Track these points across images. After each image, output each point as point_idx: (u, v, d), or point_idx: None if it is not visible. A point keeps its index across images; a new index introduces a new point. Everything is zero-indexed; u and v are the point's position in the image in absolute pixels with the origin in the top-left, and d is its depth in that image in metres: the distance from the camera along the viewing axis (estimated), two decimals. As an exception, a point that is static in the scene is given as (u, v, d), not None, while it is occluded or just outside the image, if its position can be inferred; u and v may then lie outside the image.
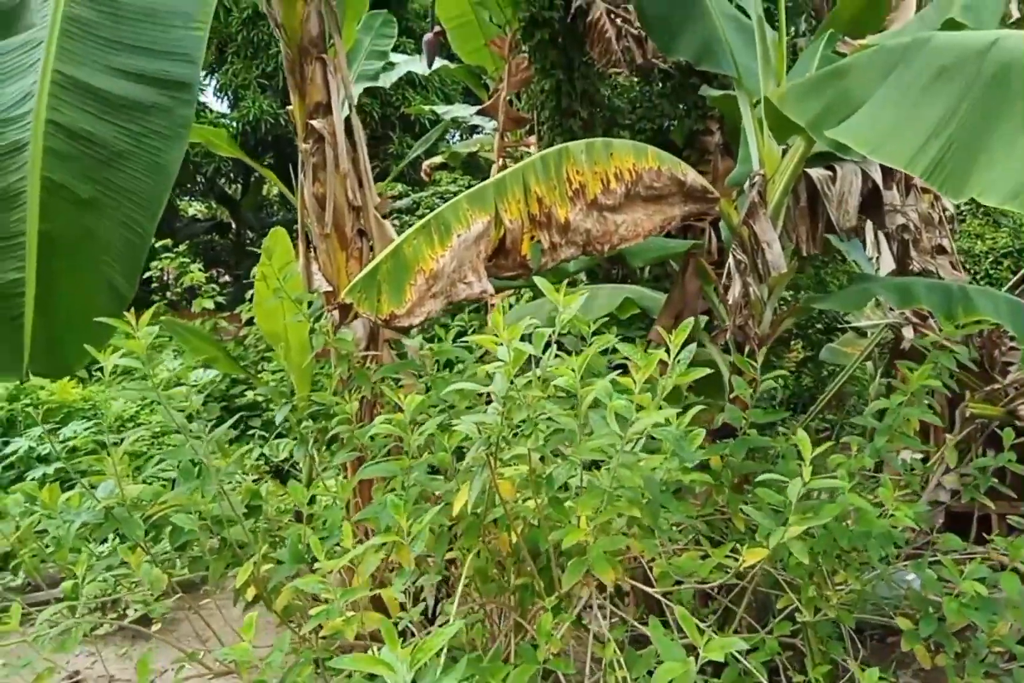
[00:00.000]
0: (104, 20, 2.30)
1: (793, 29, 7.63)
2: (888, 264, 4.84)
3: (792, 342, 7.70)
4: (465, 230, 2.37)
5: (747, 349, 3.36)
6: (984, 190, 1.75)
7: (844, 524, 2.15)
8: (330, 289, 3.44)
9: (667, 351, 1.68)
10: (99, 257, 2.24)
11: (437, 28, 7.13)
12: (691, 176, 2.91)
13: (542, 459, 1.91)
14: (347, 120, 3.53)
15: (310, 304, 3.23)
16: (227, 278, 14.30)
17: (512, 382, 1.48)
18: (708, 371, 1.69)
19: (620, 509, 1.57)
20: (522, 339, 1.55)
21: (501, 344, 1.48)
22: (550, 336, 1.59)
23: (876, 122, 2.10)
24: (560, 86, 6.84)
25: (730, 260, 3.30)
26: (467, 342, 1.99)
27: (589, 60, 6.62)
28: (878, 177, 3.70)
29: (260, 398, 6.55)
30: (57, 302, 2.25)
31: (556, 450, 1.81)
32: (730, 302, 3.32)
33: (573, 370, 1.54)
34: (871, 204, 3.86)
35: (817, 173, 3.59)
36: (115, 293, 2.30)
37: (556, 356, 1.59)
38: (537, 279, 1.66)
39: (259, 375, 5.94)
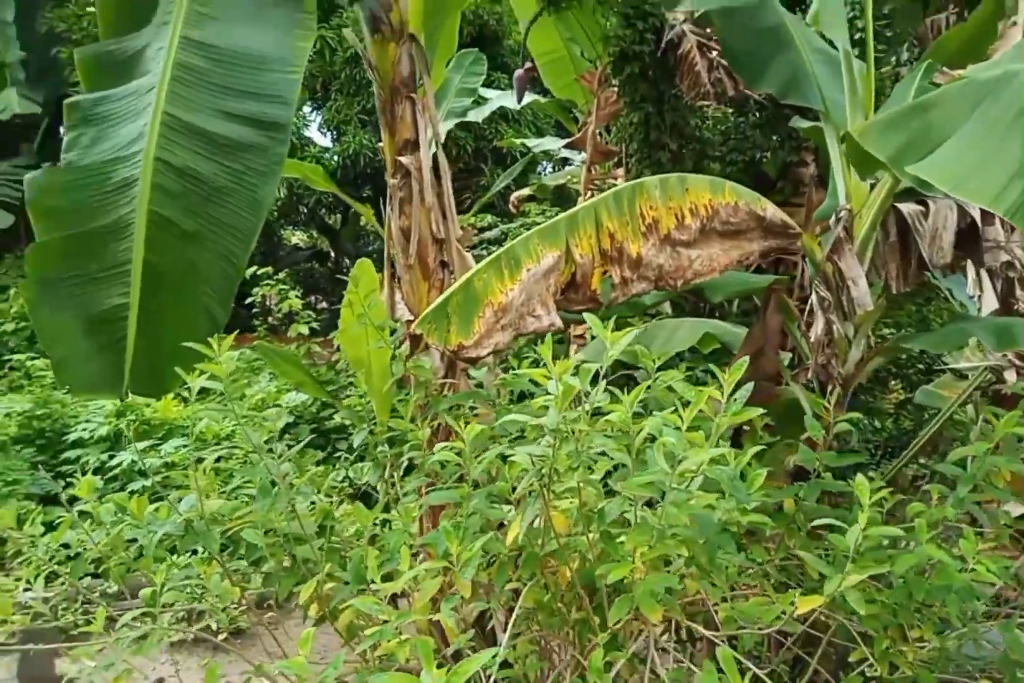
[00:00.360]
0: (210, 66, 2.51)
1: (895, 58, 7.46)
2: (991, 303, 4.59)
3: (892, 383, 7.37)
4: (535, 264, 2.43)
5: (830, 389, 3.26)
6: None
7: (924, 577, 2.05)
8: (412, 318, 3.56)
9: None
10: (199, 287, 2.41)
11: (528, 65, 7.32)
12: (770, 211, 2.87)
13: (606, 492, 1.92)
14: (434, 156, 3.67)
15: (392, 331, 3.35)
16: (324, 305, 14.87)
17: (564, 416, 1.50)
18: (760, 412, 1.66)
19: (669, 548, 1.56)
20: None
21: (551, 378, 1.51)
22: (599, 370, 1.60)
23: (959, 158, 2.04)
24: (649, 119, 6.87)
25: (813, 297, 3.22)
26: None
27: (679, 93, 6.64)
28: (976, 213, 3.55)
29: (347, 422, 6.75)
30: (158, 327, 2.43)
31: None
32: (812, 340, 3.24)
33: (631, 403, 1.54)
34: (968, 240, 3.70)
35: (908, 208, 3.48)
36: (211, 319, 2.46)
37: (607, 391, 1.60)
38: (588, 316, 1.68)
39: (345, 399, 6.14)
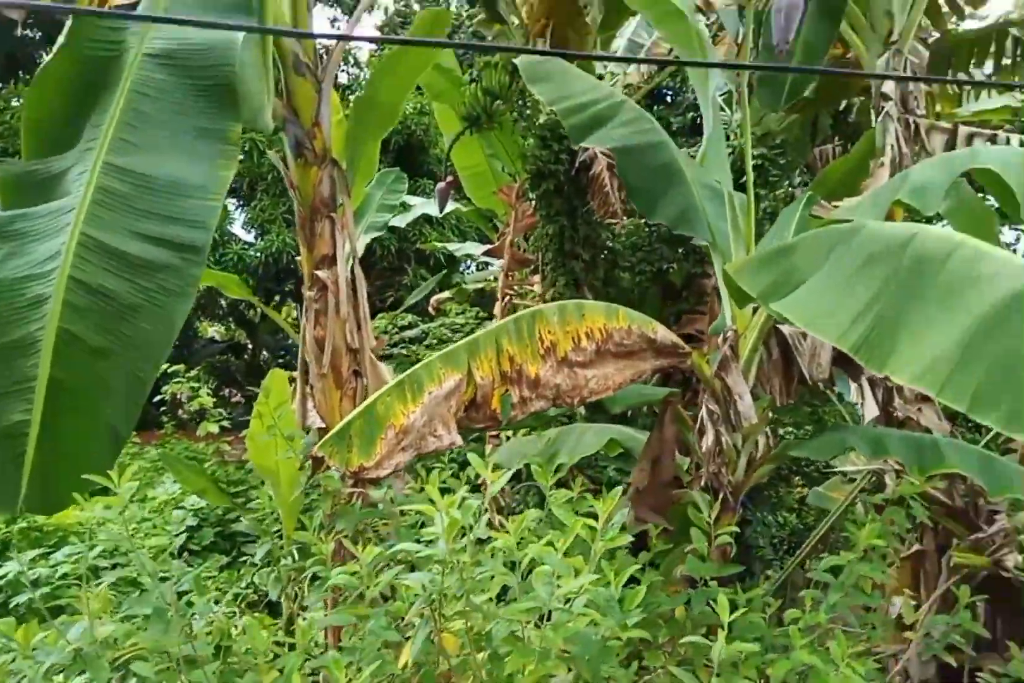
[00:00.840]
0: (131, 190, 2.63)
1: (788, 182, 8.19)
2: (872, 410, 4.96)
3: (795, 479, 7.70)
4: (437, 387, 2.56)
5: (721, 496, 3.44)
6: (898, 369, 1.92)
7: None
8: (323, 426, 3.61)
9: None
10: (104, 403, 2.43)
11: (450, 178, 7.74)
12: (660, 333, 3.12)
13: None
14: (351, 270, 3.84)
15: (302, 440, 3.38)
16: (239, 398, 14.55)
17: (451, 547, 1.59)
18: (630, 538, 1.79)
19: (550, 668, 1.63)
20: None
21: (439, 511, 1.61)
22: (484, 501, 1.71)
23: (814, 299, 2.31)
24: (563, 231, 7.28)
25: (703, 411, 3.45)
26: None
27: (591, 208, 7.11)
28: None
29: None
30: (56, 443, 2.42)
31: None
32: (703, 450, 3.44)
33: (516, 531, 1.65)
34: (845, 356, 4.04)
35: (789, 329, 3.81)
36: (114, 435, 2.47)
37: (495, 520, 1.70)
38: (472, 457, 1.80)
39: (253, 502, 5.98)
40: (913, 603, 4.50)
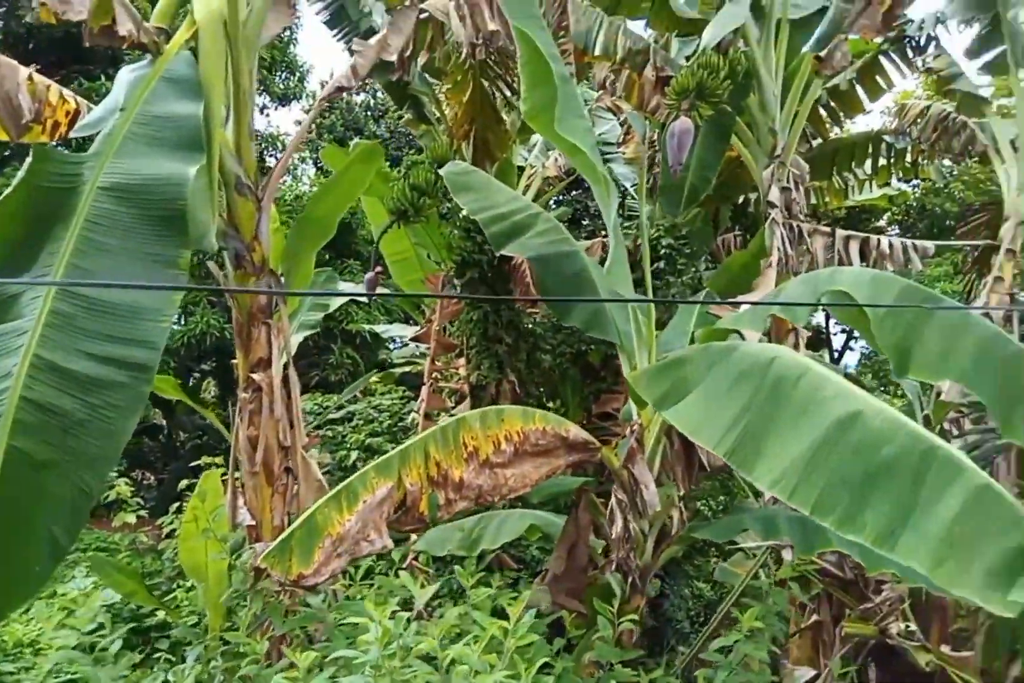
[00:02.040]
0: (84, 313, 2.82)
1: (694, 269, 8.85)
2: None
3: (711, 551, 8.03)
4: (371, 495, 2.80)
5: (630, 580, 3.73)
6: (760, 475, 2.28)
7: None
8: (253, 523, 3.75)
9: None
10: (46, 515, 2.56)
11: (379, 268, 8.10)
12: (573, 432, 3.46)
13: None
14: (285, 371, 4.07)
15: (232, 540, 3.50)
16: (152, 480, 14.12)
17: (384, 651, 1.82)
18: (536, 638, 2.06)
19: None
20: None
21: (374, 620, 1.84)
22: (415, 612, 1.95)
23: (696, 410, 2.69)
24: (487, 316, 7.64)
25: (612, 500, 3.76)
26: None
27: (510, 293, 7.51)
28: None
29: (171, 619, 6.41)
30: (-2, 554, 2.52)
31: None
32: (613, 537, 3.74)
33: (439, 635, 1.89)
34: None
35: (689, 420, 4.20)
36: (54, 546, 2.59)
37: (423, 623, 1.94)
38: (404, 577, 2.05)
39: (175, 593, 5.89)
40: (814, 672, 4.84)
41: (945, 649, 4.72)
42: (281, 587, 2.81)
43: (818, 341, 13.97)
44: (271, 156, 14.92)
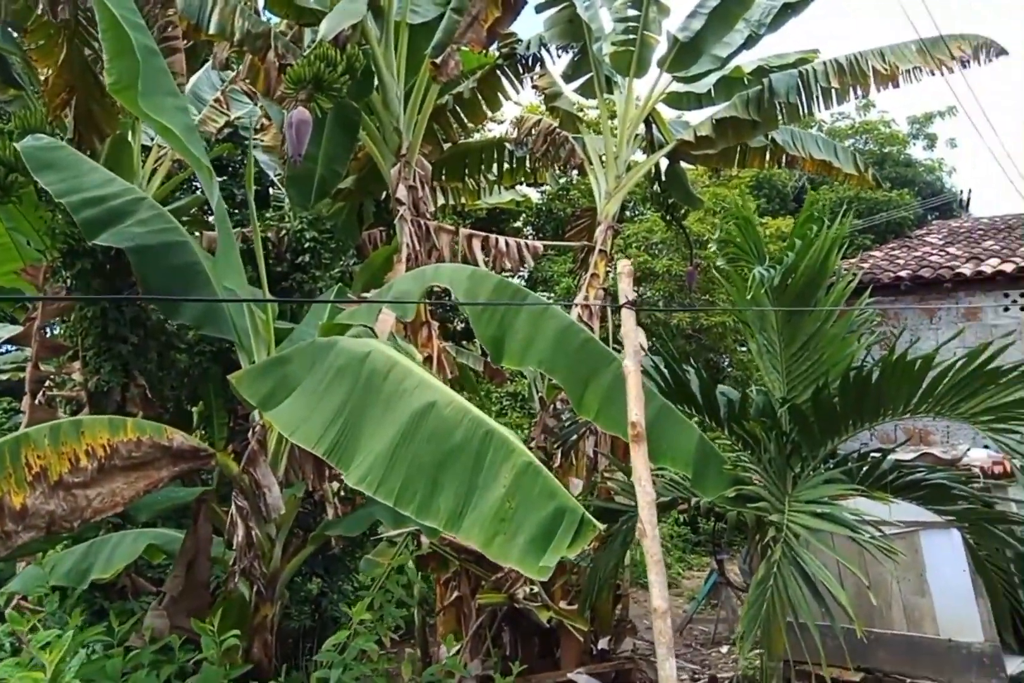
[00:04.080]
0: None
1: (341, 263, 8.78)
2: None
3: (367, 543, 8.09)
4: None
5: (255, 588, 3.58)
6: (352, 472, 2.32)
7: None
8: None
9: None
10: None
11: (-46, 257, 6.76)
12: (178, 439, 3.19)
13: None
14: None
15: None
16: None
17: None
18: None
19: None
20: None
21: None
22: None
23: (296, 408, 2.64)
24: (106, 313, 6.77)
25: (232, 508, 3.57)
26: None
27: (136, 288, 6.79)
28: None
29: None
30: None
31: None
32: (235, 546, 3.55)
33: None
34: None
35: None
36: None
37: None
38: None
39: None
40: (458, 645, 5.15)
41: (563, 604, 5.33)
42: None
43: (469, 331, 14.87)
44: None
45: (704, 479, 3.33)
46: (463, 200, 10.08)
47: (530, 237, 15.36)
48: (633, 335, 2.34)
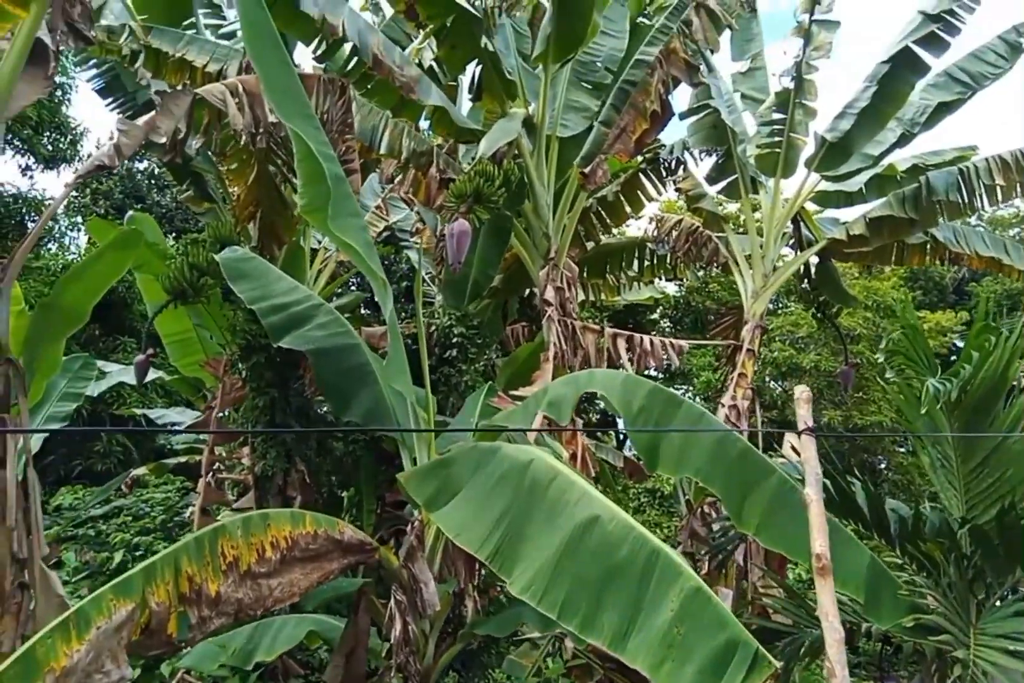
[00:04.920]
0: None
1: (485, 357, 9.13)
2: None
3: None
4: (106, 620, 2.52)
5: (410, 687, 3.63)
6: (515, 581, 2.37)
7: None
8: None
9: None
10: None
11: (150, 351, 7.57)
12: (348, 533, 3.37)
13: None
14: (24, 473, 3.64)
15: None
16: None
17: None
18: None
19: None
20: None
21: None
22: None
23: (460, 512, 2.76)
24: (275, 402, 7.30)
25: (391, 602, 3.68)
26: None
27: (303, 381, 7.31)
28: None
29: None
30: None
31: None
32: (392, 642, 3.63)
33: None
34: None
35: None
36: None
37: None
38: None
39: None
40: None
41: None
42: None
43: (605, 422, 14.81)
44: (31, 221, 13.61)
45: (879, 605, 3.12)
46: (603, 295, 10.30)
47: (667, 330, 15.33)
48: (814, 462, 2.31)
